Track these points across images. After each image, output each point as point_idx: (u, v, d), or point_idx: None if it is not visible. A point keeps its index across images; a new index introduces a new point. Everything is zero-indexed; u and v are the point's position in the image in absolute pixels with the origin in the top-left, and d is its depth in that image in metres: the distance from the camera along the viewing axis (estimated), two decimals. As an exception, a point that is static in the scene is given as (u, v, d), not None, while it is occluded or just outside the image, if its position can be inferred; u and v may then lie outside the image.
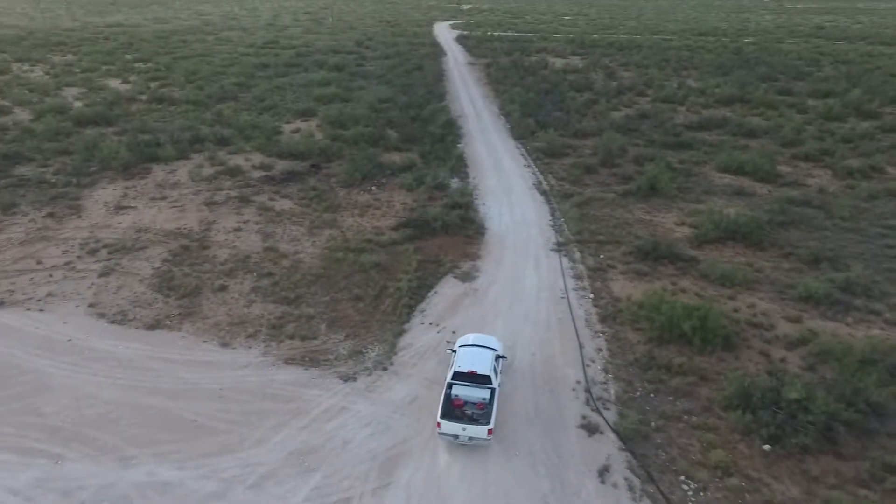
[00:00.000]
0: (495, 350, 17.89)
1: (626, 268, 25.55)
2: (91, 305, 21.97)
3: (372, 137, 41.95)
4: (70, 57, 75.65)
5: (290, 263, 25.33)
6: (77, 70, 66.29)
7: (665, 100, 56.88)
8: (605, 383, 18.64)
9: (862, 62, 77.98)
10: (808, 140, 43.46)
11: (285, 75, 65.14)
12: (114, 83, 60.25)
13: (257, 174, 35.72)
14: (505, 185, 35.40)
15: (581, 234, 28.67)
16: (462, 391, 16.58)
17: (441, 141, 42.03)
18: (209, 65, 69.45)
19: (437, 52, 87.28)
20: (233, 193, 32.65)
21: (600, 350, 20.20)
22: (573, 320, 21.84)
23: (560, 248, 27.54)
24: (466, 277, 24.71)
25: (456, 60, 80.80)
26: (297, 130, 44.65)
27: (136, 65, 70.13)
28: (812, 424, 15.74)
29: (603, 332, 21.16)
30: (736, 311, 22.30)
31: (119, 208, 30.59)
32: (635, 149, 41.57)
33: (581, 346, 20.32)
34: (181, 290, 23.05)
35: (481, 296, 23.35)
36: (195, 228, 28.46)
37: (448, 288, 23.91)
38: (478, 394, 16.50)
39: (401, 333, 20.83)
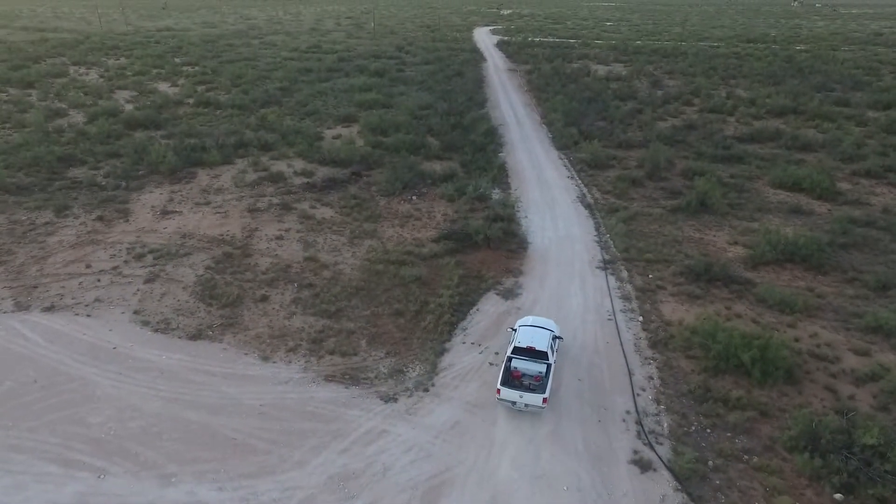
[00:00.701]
0: (552, 331, 19.27)
1: (677, 289, 24.43)
2: (136, 312, 22.15)
3: (412, 145, 41.63)
4: (123, 60, 78.15)
5: (331, 274, 25.11)
6: (129, 73, 68.35)
7: (713, 110, 54.98)
8: (657, 415, 17.69)
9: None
10: (870, 155, 41.18)
11: (327, 80, 65.67)
12: (163, 86, 61.81)
13: (299, 181, 35.80)
14: (548, 197, 34.54)
15: (628, 251, 27.62)
16: (521, 364, 18.12)
17: (482, 150, 41.41)
18: (254, 69, 70.60)
19: (477, 57, 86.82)
20: (275, 200, 32.76)
21: (651, 378, 19.23)
22: (621, 344, 20.93)
23: (606, 265, 26.57)
24: (509, 295, 24.03)
25: (496, 66, 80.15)
26: (338, 136, 44.74)
27: (185, 68, 71.87)
28: (890, 474, 14.50)
29: (653, 359, 20.17)
30: (797, 340, 20.98)
31: (165, 213, 31.01)
32: (683, 161, 40.12)
33: (630, 374, 19.40)
34: (223, 298, 23.05)
35: (525, 315, 22.58)
36: (238, 235, 28.57)
37: (490, 305, 23.28)
38: (535, 367, 18.04)
39: (442, 353, 20.28)
